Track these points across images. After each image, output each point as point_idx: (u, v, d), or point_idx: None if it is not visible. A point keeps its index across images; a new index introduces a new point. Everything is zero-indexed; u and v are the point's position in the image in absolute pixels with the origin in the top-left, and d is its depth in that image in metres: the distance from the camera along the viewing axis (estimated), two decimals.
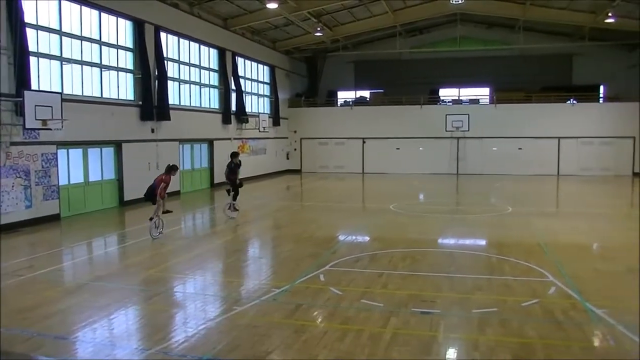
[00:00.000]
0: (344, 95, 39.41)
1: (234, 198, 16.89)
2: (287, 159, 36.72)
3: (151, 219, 13.58)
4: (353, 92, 39.33)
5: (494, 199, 22.54)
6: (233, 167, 16.94)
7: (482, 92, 37.29)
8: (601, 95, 35.31)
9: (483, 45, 36.09)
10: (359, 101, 37.51)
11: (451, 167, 34.26)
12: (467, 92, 37.87)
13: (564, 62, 36.24)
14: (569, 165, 33.14)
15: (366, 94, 38.30)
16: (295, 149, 36.96)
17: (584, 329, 7.13)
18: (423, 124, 34.33)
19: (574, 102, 33.23)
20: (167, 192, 13.71)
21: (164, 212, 13.80)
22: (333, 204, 20.55)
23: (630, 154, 32.52)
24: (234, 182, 16.80)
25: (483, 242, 13.68)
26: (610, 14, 27.32)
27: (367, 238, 14.36)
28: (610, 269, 10.46)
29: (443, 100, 37.14)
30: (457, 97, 37.74)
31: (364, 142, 35.52)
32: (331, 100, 38.28)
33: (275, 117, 34.20)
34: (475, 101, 36.00)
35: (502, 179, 30.51)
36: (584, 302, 8.14)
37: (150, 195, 13.50)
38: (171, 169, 13.76)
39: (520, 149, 33.42)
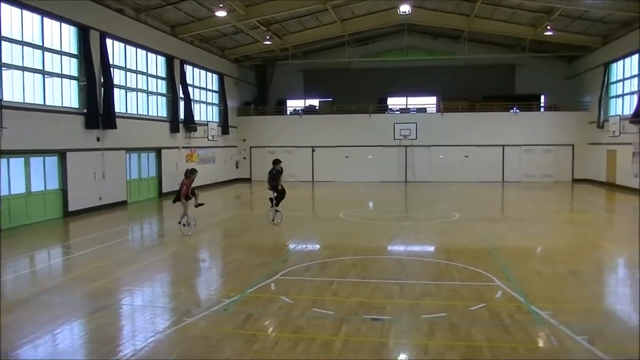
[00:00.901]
0: (293, 104, 39.48)
1: (277, 204, 17.32)
2: (237, 167, 36.44)
3: (179, 222, 15.17)
4: (302, 101, 39.47)
5: (442, 205, 22.97)
6: (275, 173, 17.32)
7: (429, 101, 38.07)
8: (542, 104, 36.69)
9: (429, 55, 36.95)
10: (308, 110, 37.66)
11: (399, 175, 34.78)
12: (415, 101, 38.58)
13: (507, 72, 37.48)
14: (512, 172, 34.20)
15: (315, 102, 38.51)
16: (244, 158, 36.74)
17: (529, 331, 7.35)
18: (371, 132, 34.77)
19: (517, 111, 34.38)
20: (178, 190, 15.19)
21: (197, 206, 15.37)
22: (283, 213, 20.53)
23: (570, 161, 33.88)
24: (275, 189, 17.24)
25: (431, 248, 13.91)
26: (548, 27, 28.46)
27: (318, 246, 14.39)
28: (553, 271, 10.83)
29: (391, 109, 37.70)
30: (404, 106, 38.39)
31: (313, 150, 35.65)
32: (280, 108, 38.28)
33: (224, 125, 33.93)
34: (422, 110, 36.70)
35: (449, 186, 31.18)
36: (529, 304, 8.40)
37: (177, 198, 15.18)
38: (190, 173, 15.20)
39: (466, 156, 34.26)
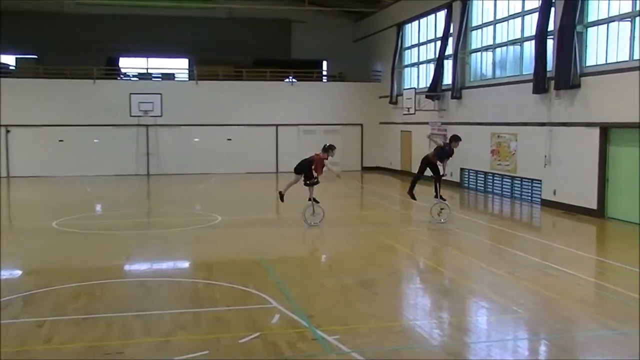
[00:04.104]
0: None
1: (439, 191, 18.42)
2: None
3: (313, 199, 17.52)
4: None
5: (199, 205, 23.22)
6: (448, 150, 18.37)
7: (179, 65, 38.21)
8: (324, 72, 39.10)
9: (178, 1, 36.97)
10: (0, 71, 35.23)
11: (139, 166, 34.27)
12: (159, 64, 38.51)
13: (281, 30, 39.24)
14: (289, 160, 35.35)
15: (11, 60, 36.55)
16: None
17: None
18: (98, 105, 33.57)
19: (293, 80, 36.15)
20: None
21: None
22: None
23: (358, 145, 36.66)
24: (435, 170, 18.54)
25: (186, 264, 14.06)
26: None
27: (19, 272, 13.51)
28: (341, 284, 11.65)
29: (125, 73, 37.15)
30: (145, 70, 38.02)
31: (8, 131, 33.35)
32: None
33: None
34: (169, 76, 36.72)
35: (208, 179, 31.60)
36: (313, 329, 8.90)
37: (306, 171, 17.39)
38: (329, 148, 17.63)
39: (229, 139, 35.04)
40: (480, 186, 26.00)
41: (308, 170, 17.40)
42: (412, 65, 33.38)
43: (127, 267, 13.58)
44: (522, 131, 22.92)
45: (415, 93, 30.62)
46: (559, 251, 14.89)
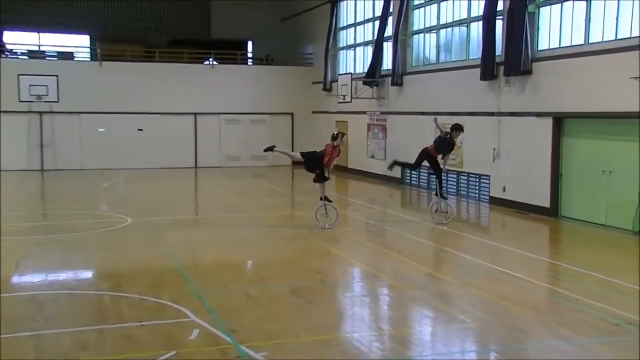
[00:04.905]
0: None
1: (440, 189, 18.91)
2: None
3: (324, 198, 17.62)
4: None
5: (104, 206, 22.85)
6: (448, 139, 18.68)
7: (79, 42, 37.49)
8: (249, 55, 38.91)
9: None
10: None
11: (31, 160, 33.44)
12: (55, 41, 37.77)
13: (199, 6, 38.84)
14: (210, 153, 35.58)
15: None
16: None
17: None
18: None
19: (214, 63, 35.88)
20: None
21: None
22: None
23: (289, 137, 36.55)
24: (436, 165, 18.88)
25: (89, 274, 13.80)
26: None
27: None
28: (269, 293, 11.64)
29: (13, 50, 36.38)
30: (36, 47, 37.28)
31: None
32: None
33: None
34: (67, 55, 36.05)
35: (115, 175, 31.06)
36: (238, 345, 8.84)
37: (317, 166, 17.25)
38: (339, 137, 17.21)
39: (140, 130, 34.54)
40: (423, 183, 26.22)
41: (319, 165, 17.23)
42: (348, 47, 33.50)
43: (15, 280, 13.11)
44: (469, 122, 23.14)
45: (352, 79, 30.61)
46: (509, 254, 15.16)
